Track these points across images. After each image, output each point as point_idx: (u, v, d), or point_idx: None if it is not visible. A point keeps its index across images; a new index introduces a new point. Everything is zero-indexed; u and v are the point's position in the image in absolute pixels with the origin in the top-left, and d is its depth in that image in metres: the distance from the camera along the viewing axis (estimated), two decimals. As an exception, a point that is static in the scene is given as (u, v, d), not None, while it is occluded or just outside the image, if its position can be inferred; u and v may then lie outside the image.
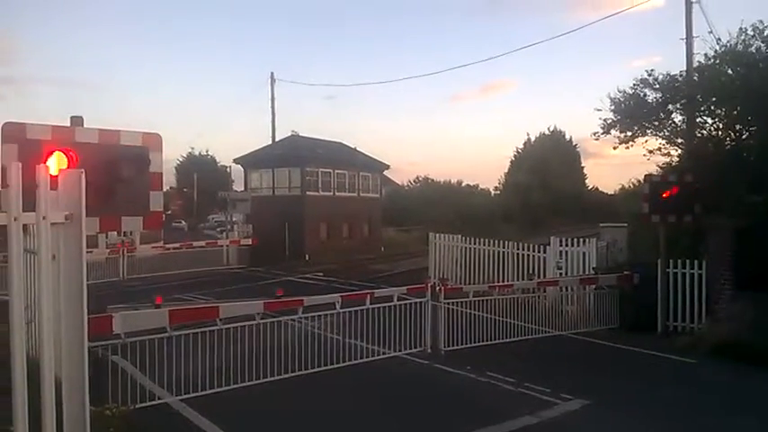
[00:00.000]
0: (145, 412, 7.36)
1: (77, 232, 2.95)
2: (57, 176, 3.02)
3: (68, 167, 4.68)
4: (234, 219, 32.05)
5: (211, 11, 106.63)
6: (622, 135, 16.96)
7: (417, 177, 62.34)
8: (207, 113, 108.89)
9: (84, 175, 2.99)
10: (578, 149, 69.92)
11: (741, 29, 15.01)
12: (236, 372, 8.45)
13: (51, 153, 5.00)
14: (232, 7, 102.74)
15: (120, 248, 22.76)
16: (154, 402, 7.73)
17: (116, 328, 7.60)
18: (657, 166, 17.47)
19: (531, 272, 15.67)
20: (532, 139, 67.77)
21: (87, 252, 3.14)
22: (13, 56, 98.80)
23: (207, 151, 72.03)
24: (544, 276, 15.26)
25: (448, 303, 11.35)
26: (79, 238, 2.96)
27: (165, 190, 7.64)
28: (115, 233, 20.71)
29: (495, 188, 66.41)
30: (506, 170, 66.53)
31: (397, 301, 10.73)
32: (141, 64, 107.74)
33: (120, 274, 22.32)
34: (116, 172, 5.40)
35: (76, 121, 5.63)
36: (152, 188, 5.84)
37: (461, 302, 11.71)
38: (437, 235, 19.81)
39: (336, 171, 33.27)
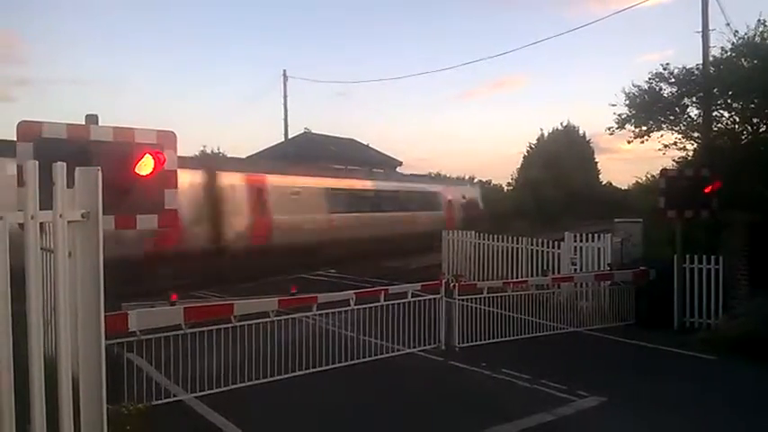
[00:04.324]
0: (161, 409, 7.39)
1: (94, 230, 2.95)
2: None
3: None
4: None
5: (224, 9, 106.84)
6: (637, 130, 16.84)
7: (429, 173, 61.89)
8: (220, 111, 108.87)
9: (100, 173, 2.98)
10: (591, 144, 69.43)
11: (759, 21, 14.88)
12: (250, 369, 8.47)
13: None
14: (244, 5, 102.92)
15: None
16: (170, 399, 7.76)
17: (131, 326, 7.62)
18: (673, 160, 17.38)
19: (545, 268, 15.59)
20: (545, 134, 67.33)
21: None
22: (28, 57, 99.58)
23: (219, 149, 72.42)
24: (559, 272, 15.17)
25: (462, 300, 11.32)
26: (96, 236, 2.95)
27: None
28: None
29: (508, 184, 65.90)
30: (519, 166, 66.15)
31: (412, 297, 10.69)
32: (155, 63, 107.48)
33: (135, 271, 22.41)
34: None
35: (91, 119, 5.65)
36: (167, 186, 5.85)
37: (476, 299, 11.67)
38: (450, 231, 19.74)
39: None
